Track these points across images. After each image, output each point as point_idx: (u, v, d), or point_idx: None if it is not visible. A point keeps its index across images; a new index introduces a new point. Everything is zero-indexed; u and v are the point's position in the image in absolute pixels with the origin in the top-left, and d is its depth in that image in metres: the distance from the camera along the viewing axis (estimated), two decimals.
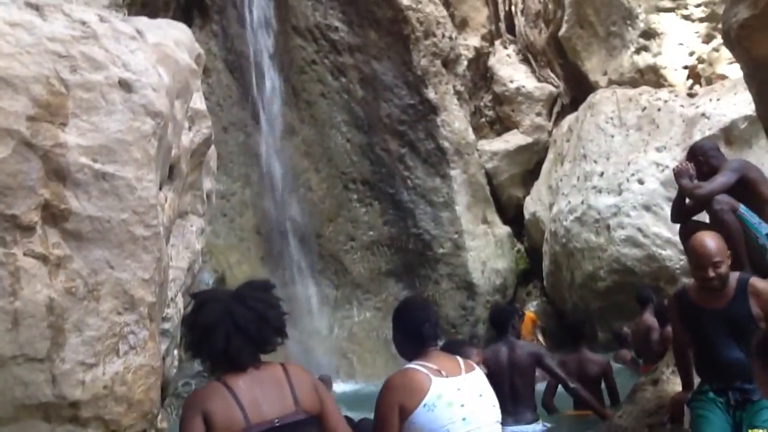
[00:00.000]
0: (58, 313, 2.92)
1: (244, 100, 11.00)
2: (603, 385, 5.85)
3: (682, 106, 9.64)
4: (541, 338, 9.63)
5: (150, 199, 3.00)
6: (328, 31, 11.10)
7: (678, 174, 4.79)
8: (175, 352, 4.03)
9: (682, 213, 5.01)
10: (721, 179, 4.59)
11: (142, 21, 4.05)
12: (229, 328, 2.34)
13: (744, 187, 4.61)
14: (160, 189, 3.33)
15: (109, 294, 3.01)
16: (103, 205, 3.02)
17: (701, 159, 4.84)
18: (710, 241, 3.49)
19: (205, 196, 4.53)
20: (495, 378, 5.04)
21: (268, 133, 10.89)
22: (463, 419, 2.71)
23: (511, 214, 11.46)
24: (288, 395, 2.37)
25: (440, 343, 3.29)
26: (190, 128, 4.03)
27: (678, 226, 5.01)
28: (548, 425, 5.08)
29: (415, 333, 2.87)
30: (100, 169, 3.03)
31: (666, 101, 9.79)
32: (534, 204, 11.01)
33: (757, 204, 4.59)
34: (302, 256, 10.37)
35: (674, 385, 4.15)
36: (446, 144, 10.76)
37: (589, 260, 9.42)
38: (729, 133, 9.12)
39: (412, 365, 2.80)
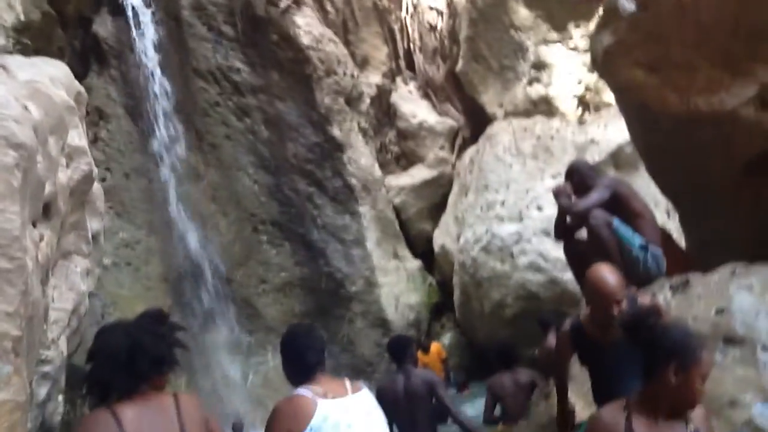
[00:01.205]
0: None
1: (146, 146, 10.82)
2: None
3: (573, 133, 10.11)
4: (446, 371, 9.64)
5: (13, 231, 2.89)
6: (230, 73, 11.10)
7: (556, 194, 5.04)
8: (60, 397, 3.85)
9: (563, 230, 5.26)
10: (595, 196, 4.86)
11: (15, 58, 3.96)
12: (105, 358, 2.32)
13: (617, 202, 4.89)
14: (34, 226, 3.22)
15: None
16: None
17: (577, 178, 5.12)
18: (610, 276, 3.36)
19: (90, 236, 4.39)
20: (393, 406, 5.09)
21: (172, 178, 10.71)
22: None
23: (422, 248, 11.58)
24: (175, 427, 2.34)
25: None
26: (67, 165, 3.92)
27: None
28: None
29: (300, 359, 2.95)
30: None
31: (558, 130, 10.24)
32: (442, 236, 11.17)
33: (629, 217, 4.87)
34: (213, 303, 10.15)
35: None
36: (353, 181, 10.85)
37: (496, 288, 9.59)
38: (617, 158, 9.61)
39: (298, 391, 2.84)
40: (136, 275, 10.01)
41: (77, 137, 4.16)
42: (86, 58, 10.68)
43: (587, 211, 4.83)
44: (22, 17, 8.32)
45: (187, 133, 10.97)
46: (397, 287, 10.73)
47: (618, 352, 3.32)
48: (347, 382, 2.96)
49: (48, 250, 3.55)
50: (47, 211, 3.58)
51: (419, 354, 9.51)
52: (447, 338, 10.95)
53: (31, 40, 8.47)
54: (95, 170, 4.36)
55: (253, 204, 10.79)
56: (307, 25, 11.09)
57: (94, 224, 4.46)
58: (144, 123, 10.85)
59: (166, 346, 2.44)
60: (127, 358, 2.34)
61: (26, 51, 8.75)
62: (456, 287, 10.58)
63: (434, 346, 9.70)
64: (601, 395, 3.56)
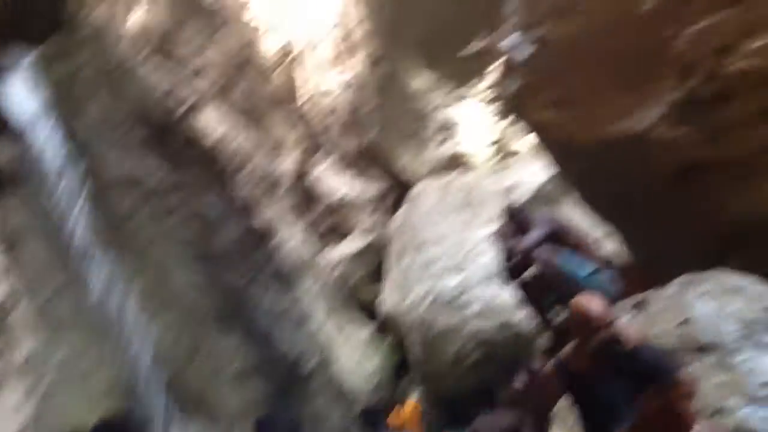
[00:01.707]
0: None
1: (67, 264, 10.37)
2: None
3: (493, 182, 10.41)
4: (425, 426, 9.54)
5: None
6: (145, 177, 10.91)
7: (499, 237, 5.15)
8: None
9: (513, 272, 5.34)
10: (535, 233, 5.00)
11: None
12: None
13: (556, 236, 5.03)
14: None
15: None
16: None
17: (514, 219, 5.26)
18: (595, 302, 3.36)
19: (18, 365, 4.07)
20: None
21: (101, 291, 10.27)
22: None
23: (371, 313, 11.53)
24: None
25: None
26: None
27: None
28: None
29: None
30: None
31: (477, 181, 10.53)
32: (388, 300, 11.18)
33: (573, 247, 5.01)
34: (164, 406, 9.63)
35: None
36: (288, 263, 10.74)
37: (451, 342, 9.58)
38: (539, 196, 9.93)
39: None
40: (82, 392, 9.43)
41: None
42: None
43: (530, 250, 4.95)
44: None
45: (108, 245, 10.58)
46: (354, 355, 10.62)
47: (608, 384, 3.30)
48: None
49: None
50: None
51: (395, 413, 9.40)
52: (416, 394, 10.76)
53: None
54: (9, 295, 4.08)
55: (192, 300, 10.47)
56: (208, 125, 11.12)
57: (19, 351, 4.14)
58: (60, 242, 10.43)
59: None
60: None
61: None
62: (412, 346, 10.53)
63: (408, 404, 9.63)
64: (594, 430, 3.52)
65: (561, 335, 4.94)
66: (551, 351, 5.25)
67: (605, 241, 8.05)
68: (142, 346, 9.83)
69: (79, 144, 10.79)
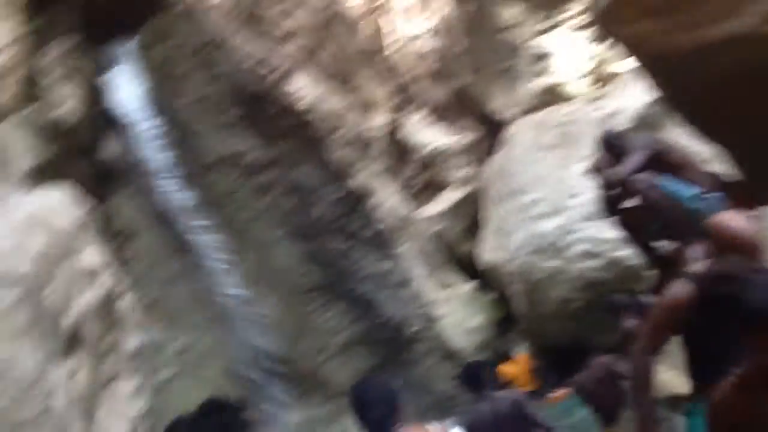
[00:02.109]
0: None
1: (179, 252, 10.77)
2: None
3: (590, 112, 9.79)
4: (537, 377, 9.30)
5: (28, 376, 2.69)
6: (238, 158, 11.10)
7: (595, 168, 4.77)
8: None
9: (611, 204, 4.95)
10: (633, 160, 4.57)
11: (15, 194, 3.87)
12: None
13: (657, 160, 4.58)
14: (59, 362, 3.05)
15: None
16: None
17: (610, 149, 4.83)
18: (741, 222, 2.91)
19: (131, 354, 4.21)
20: None
21: (212, 272, 10.61)
22: None
23: (471, 269, 11.26)
24: None
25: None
26: (87, 288, 3.77)
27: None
28: None
29: (371, 416, 2.88)
30: None
31: (574, 113, 9.93)
32: (487, 252, 10.86)
33: (675, 171, 4.55)
34: (277, 386, 9.91)
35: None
36: (384, 225, 10.65)
37: (554, 287, 9.22)
38: (642, 122, 9.25)
39: None
40: (197, 380, 9.84)
41: (93, 257, 4.02)
42: (101, 182, 10.78)
43: (628, 178, 4.54)
44: (37, 158, 8.55)
45: (214, 226, 10.89)
46: (457, 315, 10.44)
47: (722, 321, 2.88)
48: (431, 428, 2.97)
49: (86, 381, 3.37)
50: (73, 342, 3.41)
51: (506, 368, 9.21)
52: (522, 348, 10.51)
53: (45, 175, 8.65)
54: (120, 287, 4.22)
55: (294, 275, 10.62)
56: (300, 91, 11.06)
57: (132, 341, 4.29)
58: (170, 232, 10.83)
59: None
60: None
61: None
62: (514, 297, 10.22)
63: (522, 357, 9.47)
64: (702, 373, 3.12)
65: (668, 267, 4.51)
66: (658, 287, 4.84)
67: (712, 161, 7.38)
68: (252, 329, 10.13)
69: (179, 126, 11.12)
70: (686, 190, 4.36)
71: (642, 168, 4.50)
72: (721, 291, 2.21)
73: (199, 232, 10.82)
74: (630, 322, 6.90)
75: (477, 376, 5.14)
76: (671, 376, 3.69)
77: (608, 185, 4.73)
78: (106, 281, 4.06)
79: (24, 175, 7.72)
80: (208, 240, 10.78)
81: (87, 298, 3.80)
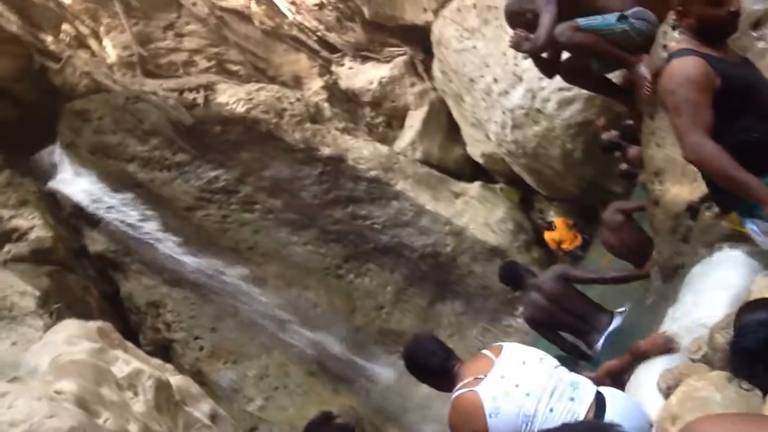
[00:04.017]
0: None
1: (211, 296, 10.92)
2: None
3: None
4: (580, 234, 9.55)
5: None
6: (212, 186, 11.19)
7: (515, 46, 4.80)
8: None
9: (549, 67, 5.01)
10: (545, 18, 4.59)
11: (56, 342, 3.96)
12: None
13: (567, 6, 4.61)
14: None
15: None
16: None
17: (521, 18, 4.84)
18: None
19: (207, 419, 4.39)
20: (551, 319, 4.96)
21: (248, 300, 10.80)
22: (527, 395, 2.71)
23: (469, 171, 11.40)
24: None
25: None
26: (135, 393, 3.89)
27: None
28: (624, 308, 5.01)
29: (432, 370, 2.99)
30: None
31: None
32: (475, 147, 10.96)
33: (589, 5, 4.58)
34: (356, 354, 10.24)
35: None
36: (371, 173, 10.77)
37: (551, 145, 9.28)
38: None
39: (455, 393, 2.85)
40: (288, 391, 10.17)
41: (125, 363, 4.17)
42: (105, 275, 10.95)
43: (550, 37, 4.58)
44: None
45: (227, 258, 11.03)
46: (479, 217, 10.64)
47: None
48: (486, 352, 2.94)
49: None
50: None
51: (549, 235, 9.45)
52: (553, 214, 10.70)
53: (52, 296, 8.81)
54: (163, 373, 4.30)
55: (319, 260, 10.84)
56: (230, 98, 11.05)
57: (203, 408, 4.47)
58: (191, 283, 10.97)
59: None
60: None
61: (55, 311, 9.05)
62: (522, 174, 10.32)
63: (557, 220, 9.71)
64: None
65: (631, 92, 4.64)
66: (633, 113, 4.99)
67: None
68: (308, 326, 10.35)
69: (144, 188, 11.14)
70: (606, 19, 4.41)
71: (555, 23, 4.52)
72: None
73: (216, 272, 10.97)
74: (632, 150, 7.06)
75: (514, 271, 5.32)
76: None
77: (535, 52, 4.78)
78: (147, 376, 4.17)
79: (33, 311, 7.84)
80: (229, 272, 10.95)
81: (140, 400, 3.92)
